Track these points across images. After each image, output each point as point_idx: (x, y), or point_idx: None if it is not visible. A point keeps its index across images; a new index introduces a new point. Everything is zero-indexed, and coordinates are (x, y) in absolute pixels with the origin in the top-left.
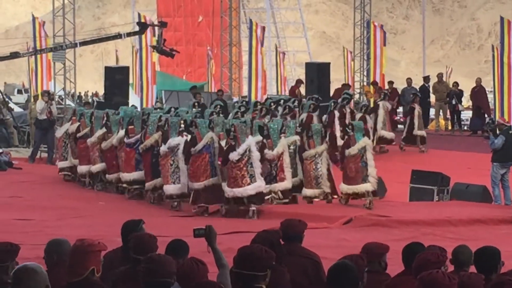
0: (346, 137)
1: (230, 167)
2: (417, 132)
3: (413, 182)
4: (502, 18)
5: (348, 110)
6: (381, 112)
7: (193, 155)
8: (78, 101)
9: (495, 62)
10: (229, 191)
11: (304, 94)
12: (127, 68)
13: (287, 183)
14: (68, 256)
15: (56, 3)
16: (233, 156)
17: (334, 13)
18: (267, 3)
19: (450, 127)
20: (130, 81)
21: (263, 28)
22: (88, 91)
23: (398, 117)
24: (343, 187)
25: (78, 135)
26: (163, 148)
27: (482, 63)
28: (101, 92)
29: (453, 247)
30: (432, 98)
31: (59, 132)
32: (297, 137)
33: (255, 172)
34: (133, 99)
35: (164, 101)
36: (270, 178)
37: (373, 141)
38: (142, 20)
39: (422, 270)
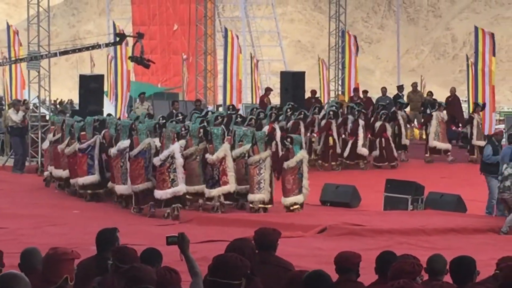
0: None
1: (156, 171)
2: (476, 142)
3: (388, 191)
4: (476, 28)
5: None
6: (434, 123)
7: (131, 159)
8: (53, 109)
9: (469, 71)
10: (155, 193)
11: (274, 103)
12: (102, 76)
13: (230, 187)
14: (42, 265)
15: (31, 11)
16: (155, 161)
17: (309, 22)
18: (242, 12)
19: (424, 136)
20: (105, 89)
21: (238, 38)
22: (57, 99)
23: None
24: (283, 200)
25: (51, 139)
26: (113, 151)
27: (457, 73)
28: (76, 100)
29: (427, 256)
30: (407, 108)
31: (46, 143)
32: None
33: (177, 177)
34: (108, 107)
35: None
36: (213, 182)
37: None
38: (117, 30)
39: (397, 278)
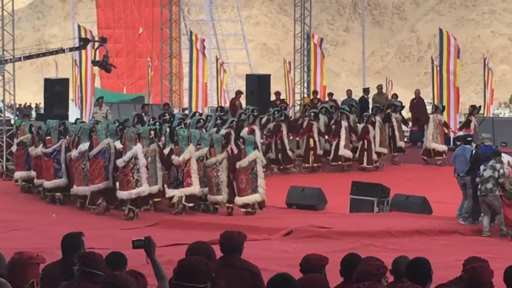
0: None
1: (119, 172)
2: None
3: (353, 194)
4: (441, 30)
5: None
6: (431, 125)
7: (90, 159)
8: (17, 113)
9: (434, 73)
10: (118, 194)
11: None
12: (67, 80)
13: (193, 188)
14: (6, 270)
15: None
16: (119, 162)
17: (275, 25)
18: (207, 15)
19: None
20: (70, 92)
21: (203, 41)
22: (26, 103)
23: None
24: (236, 200)
25: (16, 141)
26: (74, 153)
27: (422, 75)
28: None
29: (393, 258)
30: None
31: (14, 147)
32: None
33: (141, 178)
34: (73, 111)
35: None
36: (177, 183)
37: (390, 151)
38: (83, 33)
39: (362, 281)
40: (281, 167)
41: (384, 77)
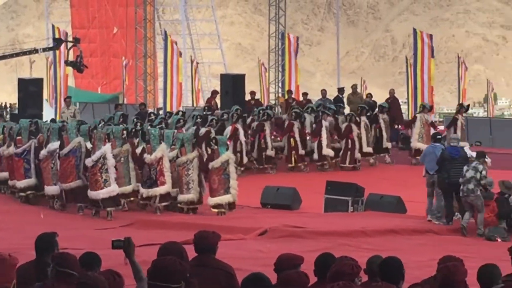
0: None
1: (88, 171)
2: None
3: (328, 193)
4: (415, 30)
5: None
6: (418, 124)
7: (61, 158)
8: None
9: (409, 73)
10: (88, 193)
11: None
12: (41, 80)
13: (167, 187)
14: None
15: None
16: (88, 162)
17: (250, 24)
18: (182, 15)
19: None
20: (44, 92)
21: (178, 41)
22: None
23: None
24: (209, 200)
25: None
26: (43, 152)
27: (397, 74)
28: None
29: (367, 257)
30: (347, 109)
31: None
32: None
33: (109, 177)
34: (47, 111)
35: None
36: (150, 182)
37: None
38: (57, 33)
39: (336, 281)
40: (261, 166)
41: (359, 77)
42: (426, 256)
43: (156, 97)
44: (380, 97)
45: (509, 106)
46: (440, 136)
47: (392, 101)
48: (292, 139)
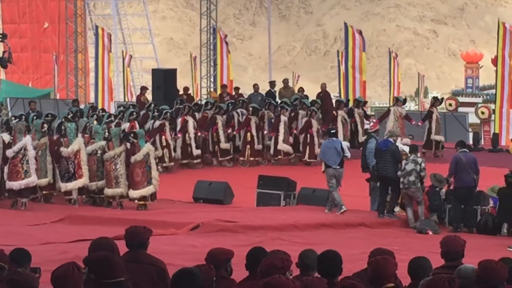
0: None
1: (9, 162)
2: (434, 137)
3: (260, 187)
4: (346, 25)
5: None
6: (391, 117)
7: None
8: None
9: (340, 67)
10: (7, 184)
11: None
12: None
13: (84, 180)
14: None
15: None
16: (9, 153)
17: (182, 19)
18: (113, 9)
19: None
20: None
21: (110, 35)
22: None
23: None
24: (131, 193)
25: None
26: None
27: (329, 69)
28: None
29: (300, 251)
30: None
31: None
32: (103, 143)
33: (30, 168)
34: None
35: (9, 109)
36: (68, 175)
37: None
38: None
39: (268, 275)
40: (219, 159)
41: (291, 71)
42: (358, 249)
43: (88, 92)
44: (312, 91)
45: None
46: (334, 131)
47: (324, 96)
48: (248, 134)
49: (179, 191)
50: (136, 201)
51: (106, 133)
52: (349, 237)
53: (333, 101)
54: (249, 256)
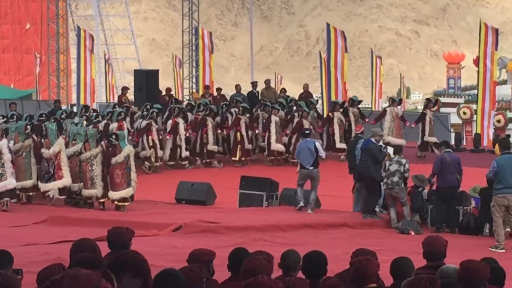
0: (110, 146)
1: None
2: (428, 138)
3: (243, 188)
4: (328, 25)
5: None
6: (388, 118)
7: None
8: None
9: (322, 68)
10: None
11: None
12: None
13: (65, 181)
14: None
15: None
16: None
17: (164, 20)
18: (95, 10)
19: None
20: None
21: (92, 36)
22: None
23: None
24: (111, 194)
25: None
26: None
27: (311, 69)
28: None
29: (282, 252)
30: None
31: None
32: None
33: (6, 172)
34: None
35: None
36: (48, 176)
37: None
38: None
39: (250, 275)
40: (204, 161)
41: (273, 72)
42: (340, 250)
43: (70, 93)
44: (294, 92)
45: (422, 100)
46: (308, 131)
47: (306, 96)
48: (238, 133)
49: (162, 192)
50: (115, 202)
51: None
52: (331, 237)
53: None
54: (231, 257)
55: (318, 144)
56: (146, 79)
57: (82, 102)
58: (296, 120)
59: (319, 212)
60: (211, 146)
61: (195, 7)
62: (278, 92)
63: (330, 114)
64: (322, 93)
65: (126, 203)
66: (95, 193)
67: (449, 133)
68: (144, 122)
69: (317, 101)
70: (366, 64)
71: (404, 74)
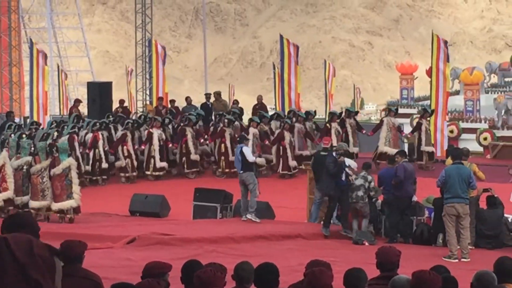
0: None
1: None
2: (424, 148)
3: (196, 200)
4: (281, 37)
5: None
6: (384, 128)
7: None
8: None
9: (276, 79)
10: None
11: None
12: None
13: (9, 193)
14: None
15: None
16: None
17: (117, 32)
18: (48, 23)
19: None
20: None
21: (45, 54)
22: None
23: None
24: (52, 205)
25: None
26: None
27: (265, 81)
28: None
29: (236, 264)
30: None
31: None
32: (29, 158)
33: None
34: None
35: None
36: None
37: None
38: None
39: (203, 287)
40: (185, 171)
41: (227, 83)
42: (295, 261)
43: (22, 106)
44: (248, 103)
45: (375, 111)
46: (242, 137)
47: (260, 108)
48: (223, 145)
49: (116, 204)
50: (57, 214)
51: (32, 148)
52: (285, 248)
53: (270, 113)
54: (184, 269)
55: (245, 148)
56: (99, 92)
57: (35, 115)
58: (297, 131)
59: (273, 223)
60: (194, 156)
61: (148, 19)
62: (230, 103)
63: (327, 125)
64: (275, 104)
65: (69, 215)
66: (46, 205)
67: (402, 143)
68: (119, 133)
69: (315, 111)
70: (320, 75)
71: (358, 85)
